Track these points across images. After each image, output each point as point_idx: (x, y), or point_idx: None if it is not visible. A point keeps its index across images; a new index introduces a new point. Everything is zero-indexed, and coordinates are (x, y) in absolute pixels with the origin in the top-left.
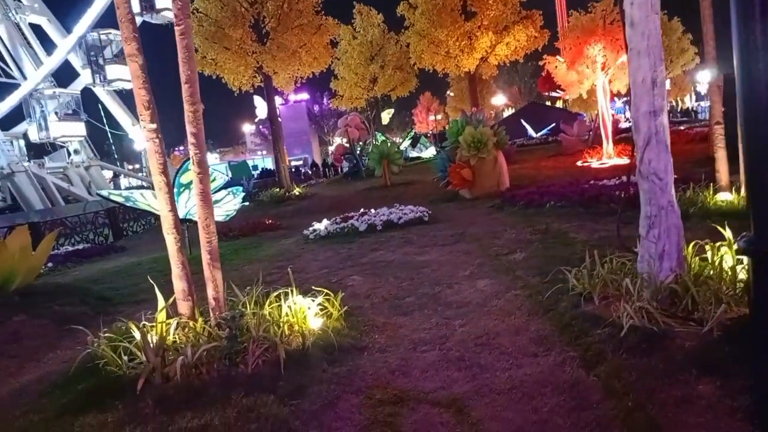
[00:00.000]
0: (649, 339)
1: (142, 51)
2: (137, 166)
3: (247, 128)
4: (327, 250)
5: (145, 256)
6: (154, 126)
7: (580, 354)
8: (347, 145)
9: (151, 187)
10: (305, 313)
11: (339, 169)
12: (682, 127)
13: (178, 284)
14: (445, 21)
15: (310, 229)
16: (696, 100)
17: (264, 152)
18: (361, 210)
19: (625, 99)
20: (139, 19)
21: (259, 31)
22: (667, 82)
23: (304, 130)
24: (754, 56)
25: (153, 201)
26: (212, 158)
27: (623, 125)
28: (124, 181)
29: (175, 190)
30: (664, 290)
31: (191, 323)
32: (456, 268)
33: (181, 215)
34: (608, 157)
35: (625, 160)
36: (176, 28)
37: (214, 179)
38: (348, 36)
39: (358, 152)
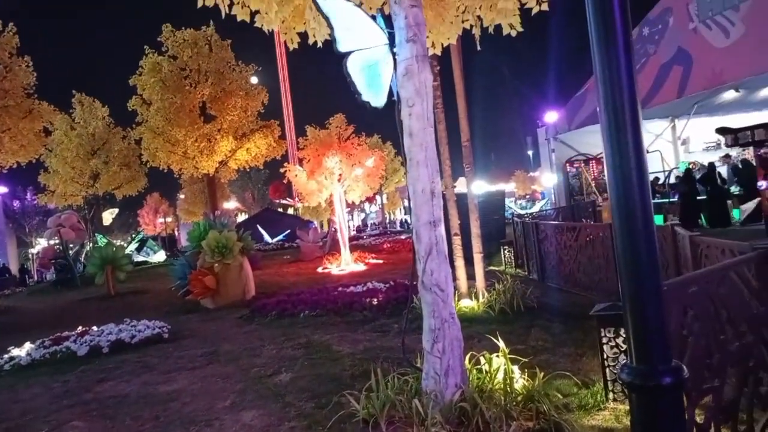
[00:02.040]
0: None
1: None
2: None
3: None
4: (33, 385)
5: None
6: None
7: None
8: (58, 248)
9: None
10: None
11: (44, 276)
12: (403, 237)
13: None
14: (183, 121)
15: (5, 356)
16: (405, 213)
17: None
18: (80, 328)
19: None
20: None
21: None
22: (384, 197)
23: None
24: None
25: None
26: None
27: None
28: None
29: None
30: (454, 409)
31: None
32: (213, 399)
33: None
34: (346, 263)
35: (361, 267)
36: None
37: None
38: (65, 126)
39: (72, 256)
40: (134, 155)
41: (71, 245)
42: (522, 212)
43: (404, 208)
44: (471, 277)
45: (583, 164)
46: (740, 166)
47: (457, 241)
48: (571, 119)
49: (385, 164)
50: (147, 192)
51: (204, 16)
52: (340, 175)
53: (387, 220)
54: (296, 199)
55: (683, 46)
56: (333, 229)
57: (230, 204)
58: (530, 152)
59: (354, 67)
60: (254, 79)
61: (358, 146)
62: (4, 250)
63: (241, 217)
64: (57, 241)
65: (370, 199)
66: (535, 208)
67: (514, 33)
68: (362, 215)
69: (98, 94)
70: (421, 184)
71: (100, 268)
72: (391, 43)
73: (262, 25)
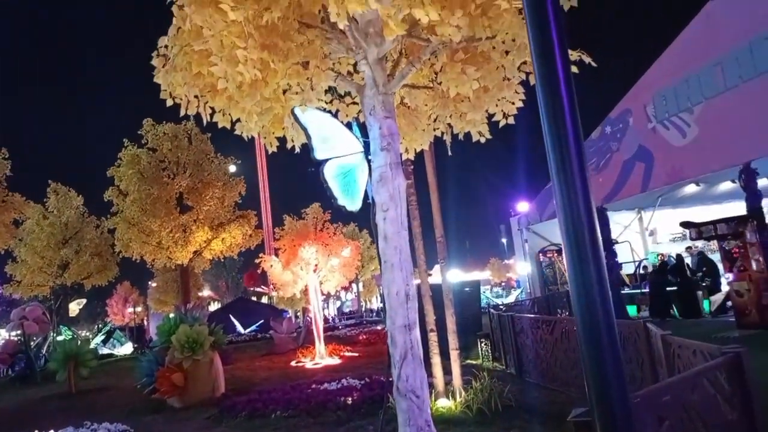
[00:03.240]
0: None
1: None
2: None
3: None
4: None
5: None
6: None
7: None
8: (20, 341)
9: None
10: None
11: (3, 371)
12: (379, 327)
13: None
14: (159, 211)
15: None
16: (381, 301)
17: None
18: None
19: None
20: None
21: None
22: (360, 285)
23: None
24: None
25: None
26: None
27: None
28: None
29: None
30: None
31: None
32: None
33: None
34: (321, 357)
35: (336, 360)
36: None
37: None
38: (37, 215)
39: (33, 351)
40: (106, 244)
41: (33, 338)
42: (498, 301)
43: (380, 296)
44: (447, 371)
45: (555, 254)
46: (704, 258)
47: (433, 337)
48: (542, 210)
49: (361, 253)
50: (117, 281)
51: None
52: (315, 265)
53: (363, 308)
54: (270, 287)
55: (644, 143)
56: (308, 320)
57: (204, 292)
58: (504, 240)
59: (330, 174)
60: (232, 168)
61: (334, 236)
62: None
63: (214, 306)
64: (19, 334)
65: (346, 287)
66: (511, 298)
67: (483, 140)
68: (338, 303)
69: (73, 183)
70: (396, 286)
71: (63, 364)
72: (366, 150)
73: (242, 132)
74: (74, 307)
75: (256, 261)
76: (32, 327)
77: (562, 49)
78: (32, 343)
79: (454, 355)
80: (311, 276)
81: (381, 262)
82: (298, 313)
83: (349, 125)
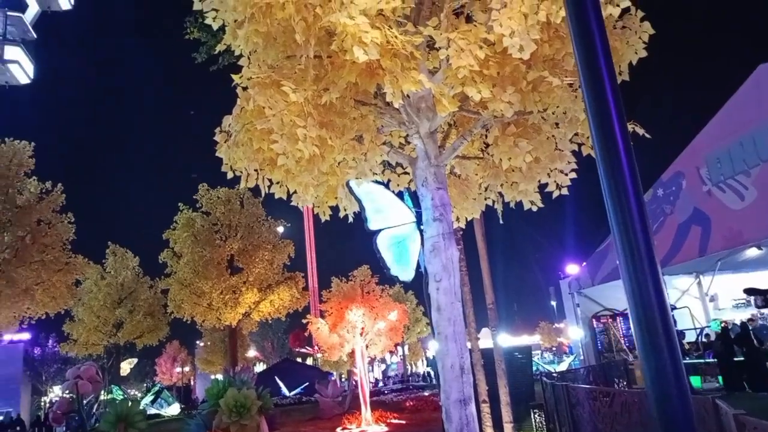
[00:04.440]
0: None
1: None
2: None
3: None
4: None
5: None
6: None
7: None
8: (72, 398)
9: None
10: None
11: (54, 430)
12: (426, 393)
13: None
14: (210, 273)
15: None
16: (427, 365)
17: None
18: None
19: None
20: None
21: None
22: (406, 348)
23: (15, 377)
24: None
25: None
26: None
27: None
28: None
29: None
30: None
31: None
32: None
33: None
34: (367, 423)
35: (382, 428)
36: None
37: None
38: (95, 275)
39: (86, 410)
40: (159, 304)
41: (86, 398)
42: (549, 368)
43: (426, 359)
44: None
45: (610, 320)
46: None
47: (485, 409)
48: (594, 273)
49: (407, 317)
50: (167, 340)
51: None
52: (362, 328)
53: (408, 372)
54: (316, 348)
55: (699, 207)
56: (354, 384)
57: (250, 353)
58: (554, 303)
59: (383, 244)
60: (280, 229)
61: (380, 298)
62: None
63: (260, 367)
64: (72, 394)
65: (392, 351)
66: (564, 365)
67: (535, 208)
68: (383, 366)
69: (130, 245)
70: (450, 359)
71: (114, 425)
72: (419, 221)
73: (297, 203)
74: (125, 366)
75: (303, 321)
76: (86, 386)
77: (620, 120)
78: (84, 402)
79: (508, 429)
80: (358, 339)
81: (434, 334)
82: (343, 376)
83: (400, 195)
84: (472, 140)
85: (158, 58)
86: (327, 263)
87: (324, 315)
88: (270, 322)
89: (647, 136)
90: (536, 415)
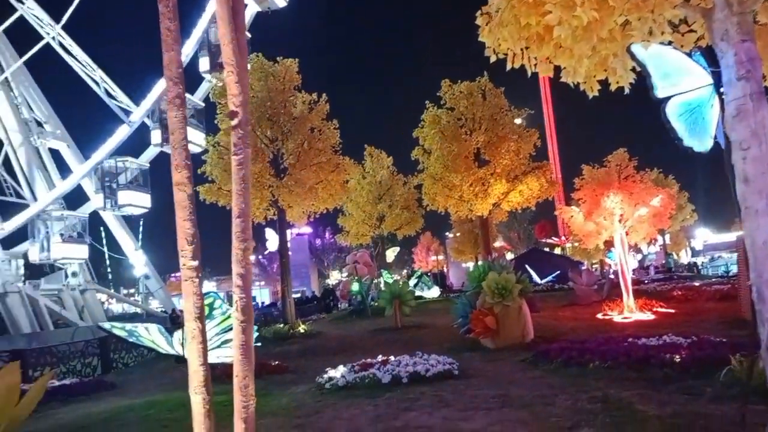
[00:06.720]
0: None
1: (192, 180)
2: (131, 291)
3: None
4: (350, 406)
5: (138, 398)
6: (195, 263)
7: None
8: (353, 279)
9: (145, 314)
10: None
11: (338, 305)
12: (696, 283)
13: None
14: (459, 167)
15: (325, 376)
16: (692, 256)
17: (261, 283)
18: (380, 357)
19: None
20: (156, 150)
21: (277, 166)
22: (667, 237)
23: (305, 263)
24: None
25: (158, 338)
26: (210, 286)
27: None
28: (116, 306)
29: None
30: None
31: None
32: None
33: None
34: (629, 311)
35: (647, 315)
36: (234, 158)
37: (220, 307)
38: (358, 176)
39: (365, 290)
40: (413, 199)
41: (364, 280)
42: None
43: (690, 249)
44: None
45: None
46: None
47: None
48: None
49: (674, 202)
50: (421, 232)
51: (478, 67)
52: (621, 215)
53: (671, 263)
54: (563, 238)
55: None
56: (608, 272)
57: (497, 243)
58: None
59: (673, 113)
60: (518, 120)
61: (640, 183)
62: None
63: (508, 257)
64: (352, 275)
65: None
66: None
67: None
68: (638, 256)
69: (384, 146)
70: (762, 235)
71: (390, 302)
72: (717, 82)
73: (567, 79)
74: (389, 254)
75: (555, 213)
76: (363, 270)
77: None
78: (364, 285)
79: None
80: (617, 226)
81: (740, 209)
82: (594, 266)
83: (688, 55)
84: None
85: None
86: (568, 153)
87: (573, 203)
88: (518, 212)
89: None
90: None
